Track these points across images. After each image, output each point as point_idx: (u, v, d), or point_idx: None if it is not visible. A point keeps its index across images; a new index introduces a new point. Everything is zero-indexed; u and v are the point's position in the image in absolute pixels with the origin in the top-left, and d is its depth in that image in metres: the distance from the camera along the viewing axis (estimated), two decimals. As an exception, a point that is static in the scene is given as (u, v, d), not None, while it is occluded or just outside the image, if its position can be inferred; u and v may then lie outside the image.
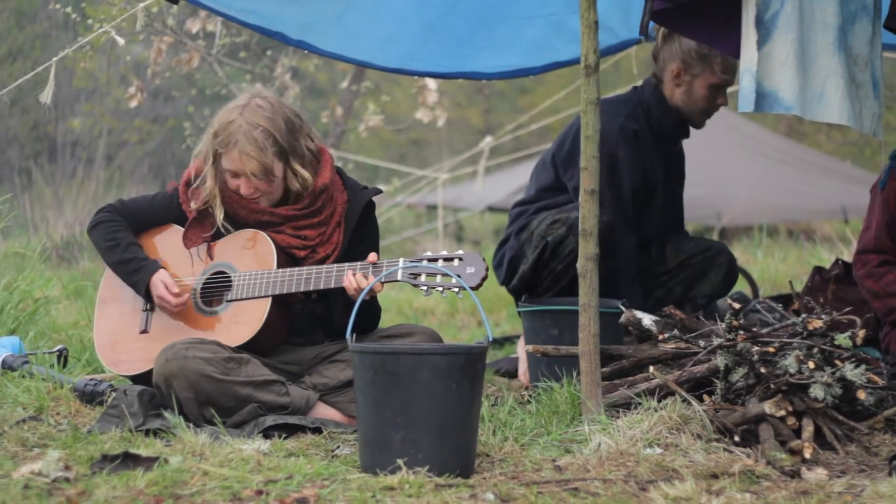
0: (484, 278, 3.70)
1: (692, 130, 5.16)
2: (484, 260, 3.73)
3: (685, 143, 5.25)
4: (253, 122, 3.92)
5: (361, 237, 4.10)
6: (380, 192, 4.22)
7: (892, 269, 4.50)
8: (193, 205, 4.07)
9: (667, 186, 5.07)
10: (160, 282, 4.05)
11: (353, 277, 3.83)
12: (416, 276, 3.78)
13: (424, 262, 3.76)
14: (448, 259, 3.77)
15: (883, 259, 4.50)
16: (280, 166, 3.97)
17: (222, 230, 4.07)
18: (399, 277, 3.81)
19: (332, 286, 3.89)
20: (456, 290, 3.73)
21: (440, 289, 3.75)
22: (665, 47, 4.95)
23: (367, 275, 3.83)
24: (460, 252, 3.75)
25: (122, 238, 4.14)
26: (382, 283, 3.79)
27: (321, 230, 4.05)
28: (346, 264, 3.89)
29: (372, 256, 3.87)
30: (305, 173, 4.01)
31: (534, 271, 4.91)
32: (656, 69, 5.01)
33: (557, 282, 4.88)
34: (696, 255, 5.06)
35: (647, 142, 4.97)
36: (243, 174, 3.95)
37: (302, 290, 3.92)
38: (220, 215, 4.04)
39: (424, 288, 3.80)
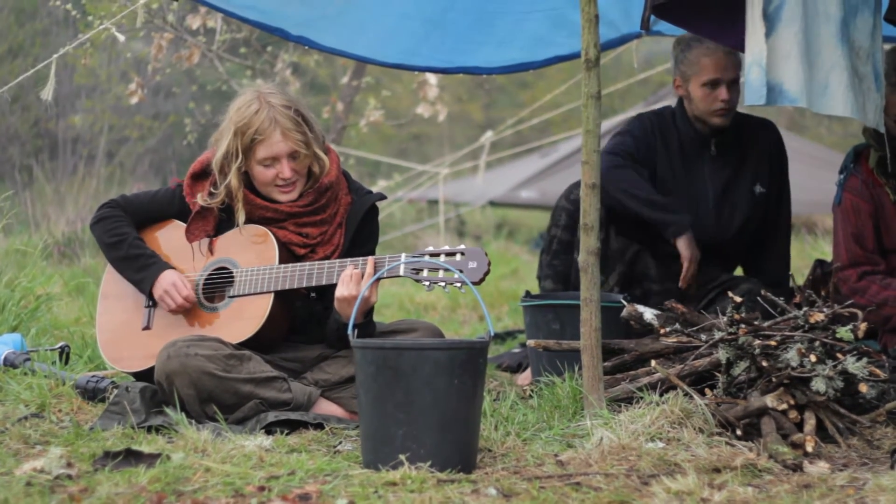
0: (486, 273, 3.70)
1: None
2: (486, 255, 3.72)
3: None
4: (281, 104, 3.94)
5: (362, 241, 4.08)
6: (384, 197, 4.21)
7: (872, 279, 4.52)
8: (200, 198, 4.06)
9: (701, 195, 4.95)
10: (168, 282, 4.03)
11: (348, 281, 3.81)
12: (419, 270, 3.78)
13: (426, 258, 3.76)
14: (450, 254, 3.76)
15: (860, 272, 4.53)
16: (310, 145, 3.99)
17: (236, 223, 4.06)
18: (401, 273, 3.80)
19: (335, 281, 3.88)
20: (458, 284, 3.73)
21: (443, 283, 3.75)
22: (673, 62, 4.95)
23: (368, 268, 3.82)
24: (462, 247, 3.75)
25: (127, 234, 4.13)
26: (380, 279, 3.77)
27: (323, 228, 4.04)
28: (349, 259, 3.88)
29: (370, 259, 3.86)
30: (324, 157, 4.02)
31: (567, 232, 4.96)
32: None
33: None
34: (722, 280, 4.92)
35: (670, 151, 4.92)
36: (285, 155, 3.94)
37: (304, 285, 3.92)
38: (241, 218, 4.03)
39: (427, 283, 3.79)
